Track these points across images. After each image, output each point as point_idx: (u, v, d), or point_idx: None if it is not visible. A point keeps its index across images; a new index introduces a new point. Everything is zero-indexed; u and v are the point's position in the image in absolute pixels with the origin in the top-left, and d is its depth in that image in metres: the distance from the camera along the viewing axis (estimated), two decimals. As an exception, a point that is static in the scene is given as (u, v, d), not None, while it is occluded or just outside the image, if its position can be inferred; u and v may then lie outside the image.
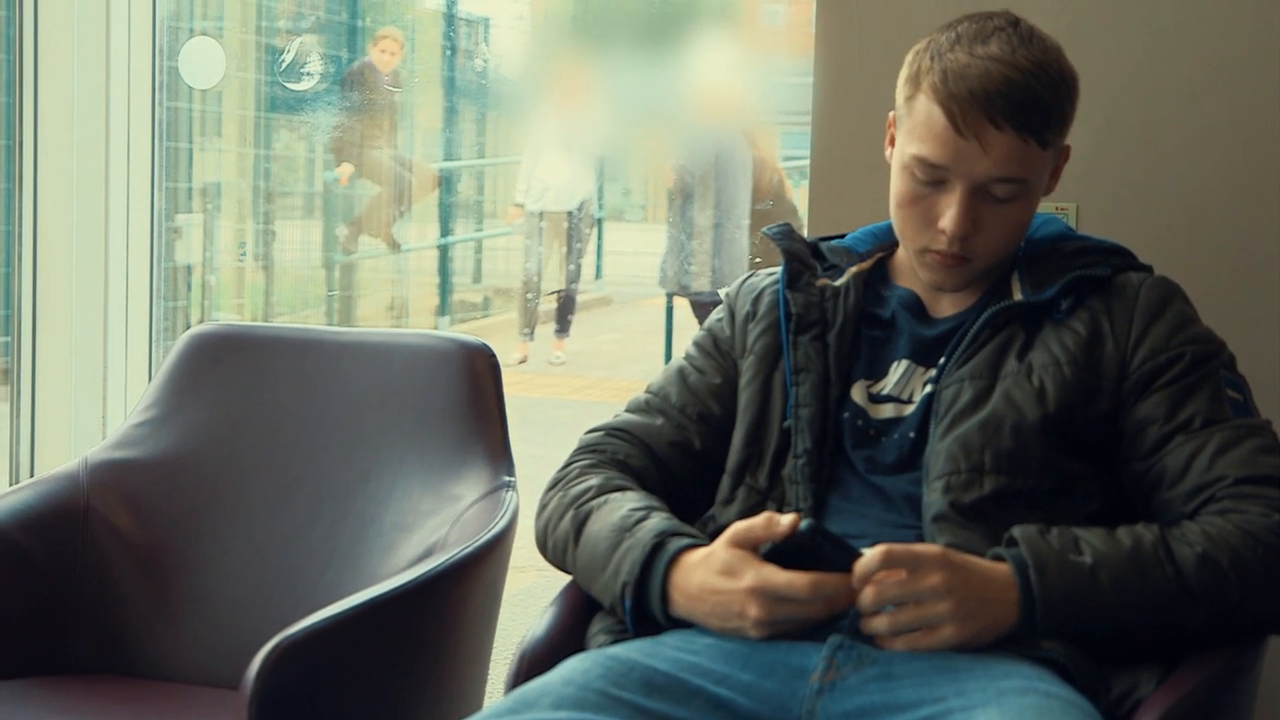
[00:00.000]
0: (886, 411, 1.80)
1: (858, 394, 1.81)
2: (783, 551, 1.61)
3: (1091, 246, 1.84)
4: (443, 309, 6.77)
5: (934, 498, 1.70)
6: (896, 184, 1.79)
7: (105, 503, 2.32)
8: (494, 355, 2.34)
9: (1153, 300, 1.77)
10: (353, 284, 6.00)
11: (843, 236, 1.95)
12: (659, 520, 1.72)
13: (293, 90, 4.75)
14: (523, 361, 6.94)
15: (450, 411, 2.29)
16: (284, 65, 4.80)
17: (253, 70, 4.97)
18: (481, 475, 2.22)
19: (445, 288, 6.82)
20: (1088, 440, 1.72)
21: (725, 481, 1.83)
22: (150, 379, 3.24)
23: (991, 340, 1.77)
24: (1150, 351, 1.74)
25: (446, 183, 6.66)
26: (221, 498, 2.33)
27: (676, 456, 1.86)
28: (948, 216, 1.73)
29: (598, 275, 8.15)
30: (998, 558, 1.62)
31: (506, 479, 2.22)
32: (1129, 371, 1.73)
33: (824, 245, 1.93)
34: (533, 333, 7.12)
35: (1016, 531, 1.62)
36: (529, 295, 7.13)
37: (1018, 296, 1.79)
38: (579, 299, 7.31)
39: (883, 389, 1.81)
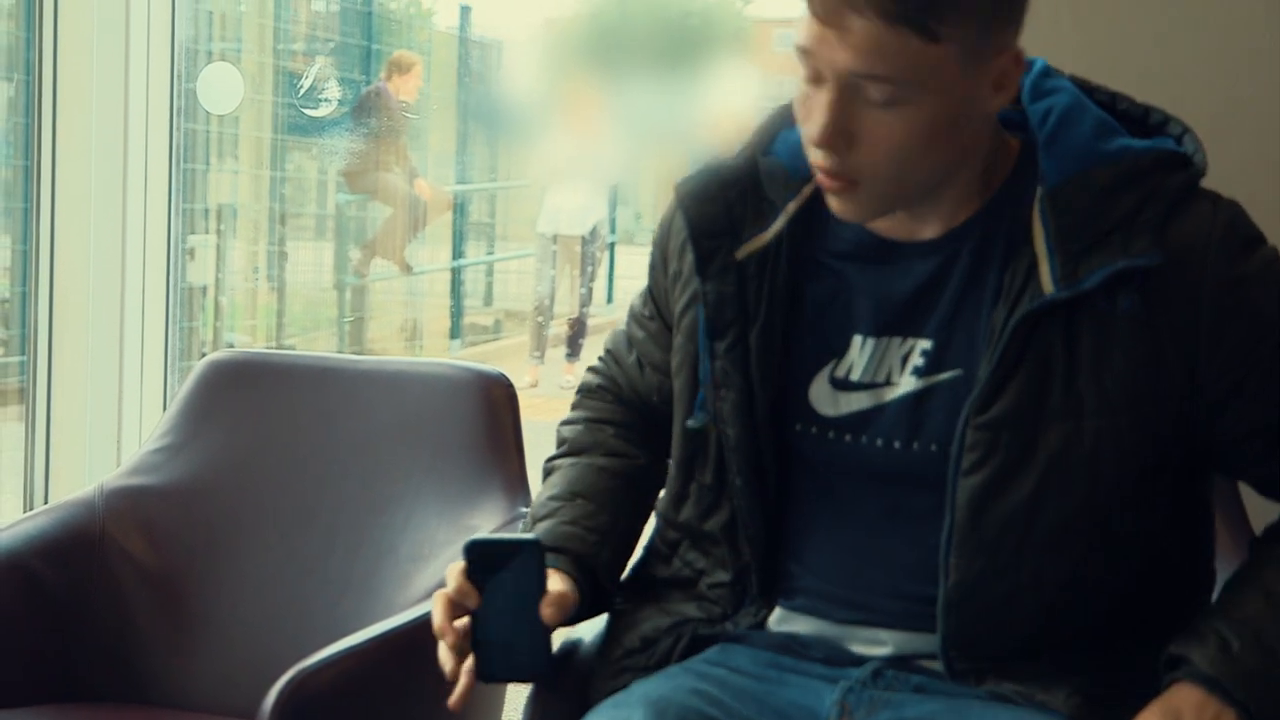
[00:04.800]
0: (859, 402, 1.54)
1: (818, 390, 1.56)
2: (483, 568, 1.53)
3: (1133, 174, 1.48)
4: (454, 331, 6.77)
5: (957, 577, 1.50)
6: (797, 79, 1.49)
7: (121, 530, 2.32)
8: (511, 385, 2.34)
9: (1226, 283, 1.46)
10: (364, 306, 6.01)
11: (790, 129, 1.58)
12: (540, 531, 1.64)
13: (310, 115, 4.76)
14: (534, 385, 6.94)
15: (467, 441, 2.28)
16: (302, 90, 4.81)
17: (269, 93, 4.98)
18: (498, 506, 2.22)
19: (457, 310, 6.82)
20: (1155, 472, 1.50)
21: (674, 473, 1.65)
22: (165, 401, 3.25)
23: (1026, 354, 1.46)
24: (1228, 360, 1.47)
25: (458, 206, 6.67)
26: (237, 526, 2.33)
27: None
28: (814, 121, 1.44)
29: (609, 299, 8.15)
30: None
31: (523, 509, 2.22)
32: (1201, 384, 1.47)
33: (762, 163, 1.60)
34: (543, 356, 7.11)
35: (1204, 668, 1.44)
36: (540, 318, 7.13)
37: (1045, 272, 1.45)
38: (590, 323, 7.31)
39: (848, 371, 1.55)
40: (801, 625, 1.61)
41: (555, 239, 6.89)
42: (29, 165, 3.26)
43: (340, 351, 5.59)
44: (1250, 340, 1.47)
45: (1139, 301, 1.44)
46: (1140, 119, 1.57)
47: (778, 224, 1.56)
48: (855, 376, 1.54)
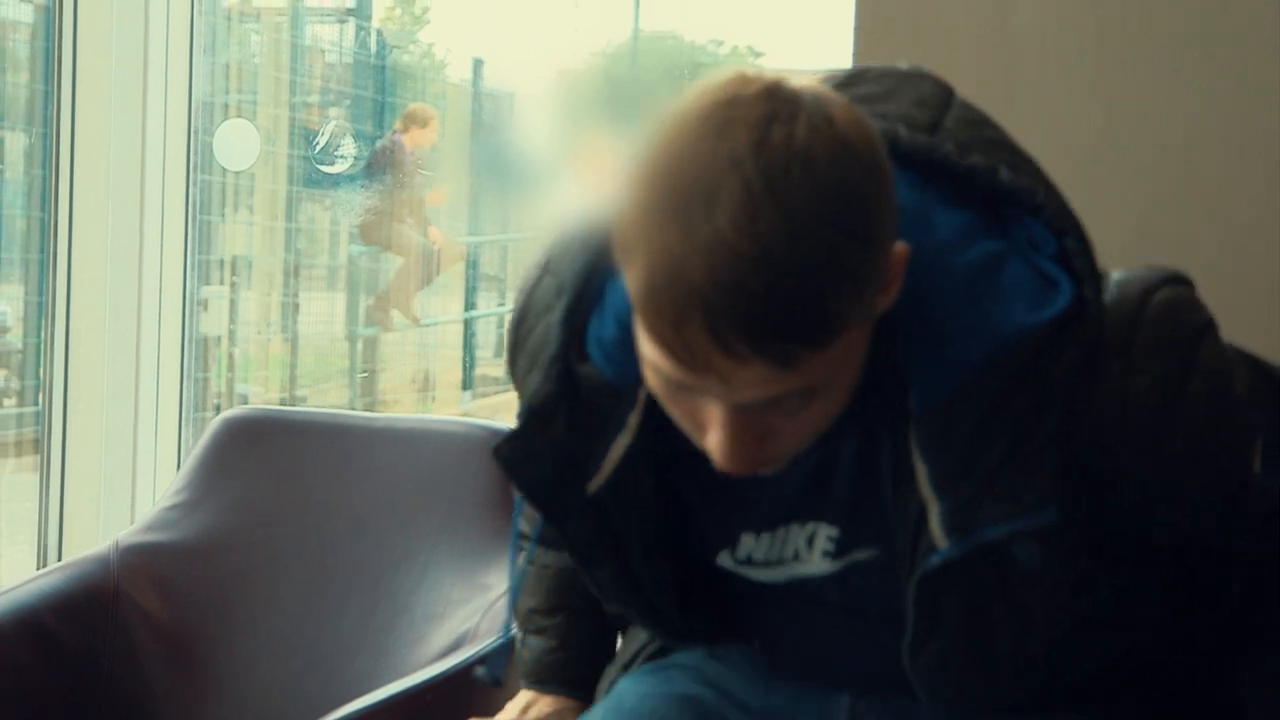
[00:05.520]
0: (762, 574, 1.38)
1: (724, 561, 1.40)
2: None
3: (1019, 371, 1.20)
4: (466, 383, 6.78)
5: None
6: (645, 367, 1.19)
7: (135, 587, 2.32)
8: (526, 443, 2.34)
9: (1158, 459, 1.24)
10: (375, 357, 6.01)
11: (600, 323, 1.31)
12: (531, 660, 1.68)
13: (325, 171, 4.79)
14: (544, 436, 6.92)
15: (482, 499, 2.29)
16: (318, 147, 4.83)
17: (284, 145, 5.01)
18: (513, 565, 2.22)
19: (469, 362, 6.83)
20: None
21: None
22: (179, 452, 3.25)
23: (946, 593, 1.26)
24: (1179, 502, 1.29)
25: (471, 258, 6.69)
26: (252, 584, 2.33)
27: None
28: (712, 440, 1.17)
29: (620, 350, 8.13)
30: None
31: (536, 569, 2.22)
32: (1158, 520, 1.29)
33: (579, 374, 1.32)
34: (553, 407, 7.09)
35: None
36: (551, 369, 7.13)
37: (934, 520, 1.23)
38: (600, 374, 7.29)
39: (748, 555, 1.38)
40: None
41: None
42: (45, 217, 3.27)
43: (352, 403, 5.59)
44: (1201, 483, 1.28)
45: (1038, 551, 1.23)
46: (986, 182, 1.26)
47: (623, 442, 1.31)
48: (758, 558, 1.37)
